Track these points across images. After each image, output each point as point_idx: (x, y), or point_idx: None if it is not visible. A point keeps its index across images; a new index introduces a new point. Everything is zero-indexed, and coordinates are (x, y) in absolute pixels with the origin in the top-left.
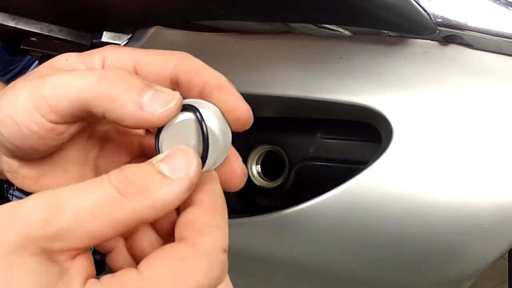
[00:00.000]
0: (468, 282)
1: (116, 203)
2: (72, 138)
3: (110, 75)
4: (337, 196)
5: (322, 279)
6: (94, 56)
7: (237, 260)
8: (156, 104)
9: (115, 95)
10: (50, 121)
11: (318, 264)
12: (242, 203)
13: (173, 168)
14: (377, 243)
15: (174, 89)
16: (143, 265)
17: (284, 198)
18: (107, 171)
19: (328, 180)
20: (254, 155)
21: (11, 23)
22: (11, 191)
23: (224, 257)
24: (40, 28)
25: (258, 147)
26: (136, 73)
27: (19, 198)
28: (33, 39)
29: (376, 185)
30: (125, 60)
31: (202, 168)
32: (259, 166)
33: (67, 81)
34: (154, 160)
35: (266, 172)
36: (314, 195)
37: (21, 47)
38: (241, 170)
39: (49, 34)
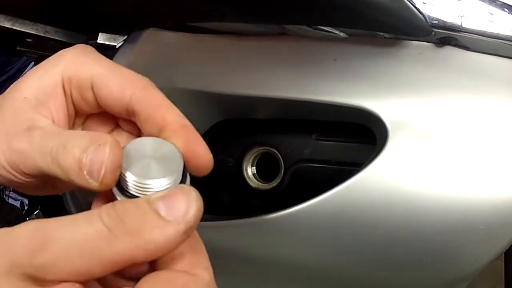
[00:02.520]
0: (464, 284)
1: (105, 241)
2: None
3: (59, 156)
4: (332, 197)
5: (317, 280)
6: (55, 72)
7: (232, 262)
8: (94, 174)
9: (67, 178)
10: (25, 177)
11: (313, 265)
12: (237, 204)
13: (171, 208)
14: (372, 244)
15: (130, 117)
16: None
17: (279, 200)
18: None
19: (323, 182)
20: (249, 157)
21: (7, 24)
22: (7, 192)
23: (214, 283)
24: (36, 29)
25: (253, 148)
26: (93, 92)
27: (15, 199)
28: (29, 40)
29: (371, 186)
30: (83, 76)
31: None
32: (254, 167)
33: (31, 155)
34: (153, 196)
35: (261, 174)
36: (309, 196)
37: (17, 48)
38: (207, 154)
39: (45, 35)
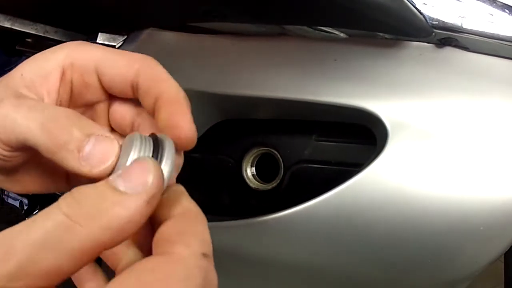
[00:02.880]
0: (464, 285)
1: (67, 231)
2: None
3: (52, 124)
4: (332, 198)
5: (317, 281)
6: (56, 56)
7: (232, 262)
8: (94, 160)
9: (55, 149)
10: (5, 150)
11: (313, 266)
12: (237, 205)
13: (129, 182)
14: (372, 245)
15: (134, 94)
16: (112, 283)
17: (279, 200)
18: None
19: (323, 183)
20: (249, 157)
21: (7, 24)
22: (6, 192)
23: (204, 262)
24: (36, 29)
25: (253, 149)
26: (98, 74)
27: (14, 199)
28: (29, 40)
29: (371, 187)
30: (86, 61)
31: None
32: (254, 168)
33: (13, 120)
34: (111, 177)
35: (261, 174)
36: (309, 197)
37: (17, 48)
38: (189, 126)
39: (45, 35)
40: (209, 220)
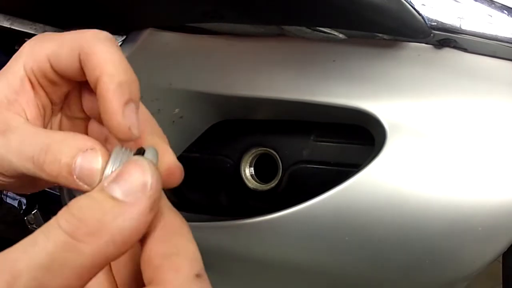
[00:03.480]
0: (462, 285)
1: (71, 251)
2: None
3: (41, 158)
4: (330, 198)
5: (315, 281)
6: (18, 68)
7: (230, 262)
8: (87, 178)
9: (53, 179)
10: (5, 178)
11: (311, 266)
12: (235, 205)
13: (127, 188)
14: (371, 245)
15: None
16: None
17: (277, 201)
18: None
19: (321, 183)
20: (248, 158)
21: (6, 24)
22: (5, 192)
23: (198, 283)
24: (35, 29)
25: (252, 149)
26: (53, 69)
27: (13, 199)
28: (27, 40)
29: (370, 188)
30: (41, 60)
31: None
32: (252, 168)
33: (6, 158)
34: (106, 181)
35: (259, 175)
36: (308, 197)
37: (16, 48)
38: (177, 167)
39: None
40: (207, 220)
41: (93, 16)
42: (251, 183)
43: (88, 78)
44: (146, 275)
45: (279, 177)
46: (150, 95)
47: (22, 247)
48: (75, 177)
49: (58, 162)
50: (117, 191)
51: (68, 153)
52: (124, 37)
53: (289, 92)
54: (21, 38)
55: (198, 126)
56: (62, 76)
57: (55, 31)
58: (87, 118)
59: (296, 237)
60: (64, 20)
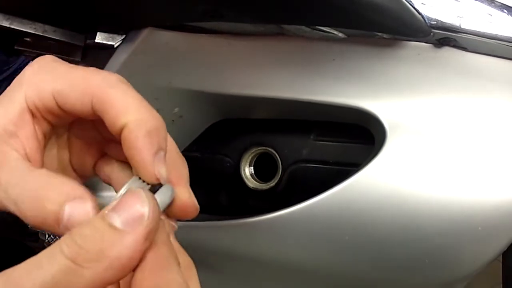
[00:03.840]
0: (462, 285)
1: (73, 275)
2: (45, 152)
3: (23, 205)
4: (330, 198)
5: (314, 280)
6: (19, 100)
7: (229, 262)
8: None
9: (38, 226)
10: None
11: (310, 266)
12: (235, 204)
13: (125, 217)
14: (370, 245)
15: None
16: None
17: (277, 200)
18: (82, 171)
19: (321, 182)
20: (247, 157)
21: (5, 23)
22: None
23: None
24: (35, 28)
25: (251, 148)
26: (58, 106)
27: None
28: (27, 39)
29: (369, 187)
30: (44, 96)
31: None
32: (252, 167)
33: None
34: (106, 209)
35: (259, 174)
36: (307, 197)
37: (15, 47)
38: (192, 204)
39: (43, 34)
40: (207, 219)
41: (93, 15)
42: (251, 183)
43: (108, 124)
44: None
45: (279, 177)
46: (149, 94)
47: (26, 268)
48: (61, 226)
49: (42, 208)
50: (117, 220)
51: (56, 199)
52: (124, 36)
53: (289, 91)
54: (21, 38)
55: (198, 125)
56: (69, 113)
57: (54, 31)
58: (99, 135)
59: (295, 236)
60: (63, 20)
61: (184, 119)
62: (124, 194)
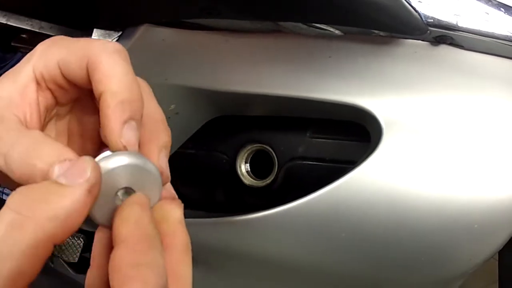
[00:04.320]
0: (458, 282)
1: (18, 227)
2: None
3: (11, 158)
4: (326, 195)
5: (310, 278)
6: (27, 70)
7: (225, 258)
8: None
9: (24, 181)
10: None
11: (306, 263)
12: (231, 201)
13: (69, 176)
14: (366, 242)
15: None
16: None
17: (273, 197)
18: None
19: (317, 179)
20: (243, 154)
21: (2, 20)
22: (1, 189)
23: None
24: (31, 25)
25: (247, 146)
26: (63, 75)
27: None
28: (24, 36)
29: (365, 184)
30: (50, 64)
31: (100, 172)
32: (248, 164)
33: None
34: (54, 174)
35: (255, 171)
36: (303, 194)
37: (12, 44)
38: (161, 168)
39: (40, 31)
40: (203, 216)
41: (90, 12)
42: (247, 180)
43: (93, 90)
44: (114, 283)
45: (275, 174)
46: None
47: None
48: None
49: (32, 166)
50: (61, 179)
51: (46, 159)
52: (120, 32)
53: (285, 88)
54: (17, 34)
55: (194, 122)
56: (72, 83)
57: (51, 27)
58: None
59: (292, 233)
60: (60, 16)
61: (181, 116)
62: (70, 162)
